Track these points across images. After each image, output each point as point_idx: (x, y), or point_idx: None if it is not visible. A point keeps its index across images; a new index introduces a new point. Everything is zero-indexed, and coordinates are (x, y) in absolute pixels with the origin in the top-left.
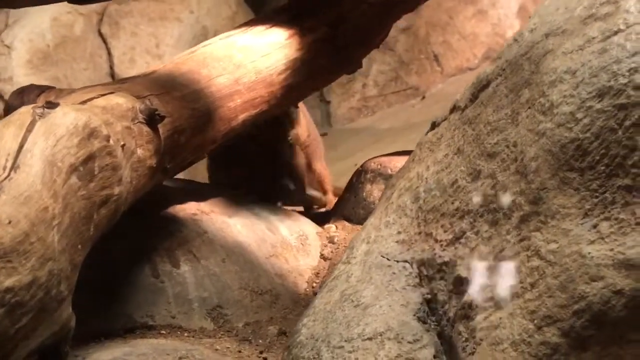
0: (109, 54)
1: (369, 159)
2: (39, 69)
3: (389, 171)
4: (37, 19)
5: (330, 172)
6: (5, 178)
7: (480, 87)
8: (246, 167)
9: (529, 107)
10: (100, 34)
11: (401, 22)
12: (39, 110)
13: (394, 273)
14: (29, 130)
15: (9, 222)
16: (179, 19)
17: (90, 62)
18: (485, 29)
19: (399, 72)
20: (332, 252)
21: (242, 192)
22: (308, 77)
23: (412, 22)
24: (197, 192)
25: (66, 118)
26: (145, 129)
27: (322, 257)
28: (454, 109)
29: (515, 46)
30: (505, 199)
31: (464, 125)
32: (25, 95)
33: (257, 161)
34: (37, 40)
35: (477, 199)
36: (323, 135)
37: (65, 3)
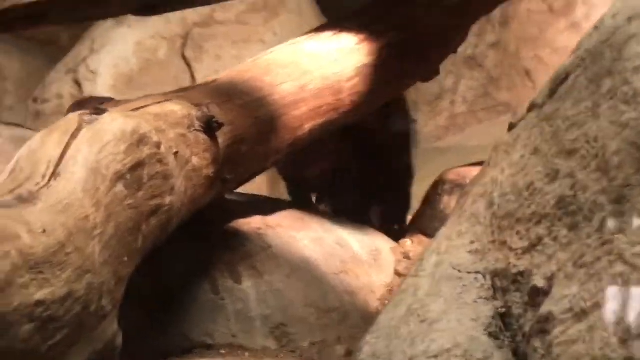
0: (193, 77)
1: (446, 170)
2: (124, 94)
3: (468, 182)
4: (121, 44)
5: (416, 192)
6: (44, 186)
7: (559, 81)
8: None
9: (611, 98)
10: (184, 58)
11: (490, 37)
12: (86, 117)
13: (464, 285)
14: (74, 136)
15: (43, 231)
16: (262, 41)
17: (174, 86)
18: None
19: (488, 89)
20: (407, 268)
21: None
22: (379, 84)
23: (500, 37)
24: (264, 206)
25: (114, 124)
26: (202, 137)
27: (397, 273)
28: (531, 107)
29: (596, 34)
30: (586, 200)
31: (542, 123)
32: (83, 106)
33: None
34: (122, 65)
35: (554, 201)
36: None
37: (150, 28)
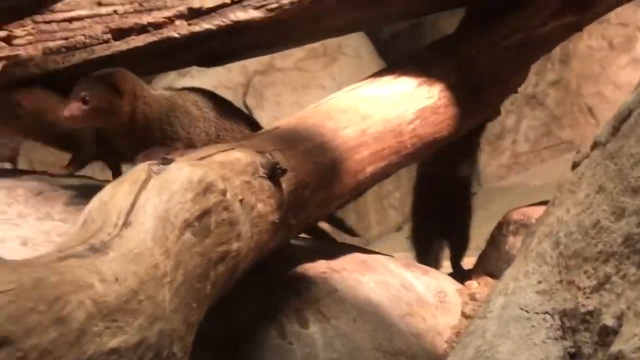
0: None
1: (511, 210)
2: None
3: (534, 222)
4: None
5: (480, 233)
6: (116, 235)
7: (622, 118)
8: None
9: None
10: (246, 105)
11: (550, 75)
12: (154, 167)
13: (533, 326)
14: (143, 187)
15: (116, 280)
16: (321, 87)
17: None
18: None
19: (550, 127)
20: (473, 309)
21: None
22: (440, 126)
23: (561, 74)
24: (328, 250)
25: (181, 173)
26: (267, 183)
27: (464, 315)
28: (594, 145)
29: None
30: None
31: (606, 161)
32: (151, 156)
33: None
34: None
35: (621, 239)
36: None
37: (211, 77)
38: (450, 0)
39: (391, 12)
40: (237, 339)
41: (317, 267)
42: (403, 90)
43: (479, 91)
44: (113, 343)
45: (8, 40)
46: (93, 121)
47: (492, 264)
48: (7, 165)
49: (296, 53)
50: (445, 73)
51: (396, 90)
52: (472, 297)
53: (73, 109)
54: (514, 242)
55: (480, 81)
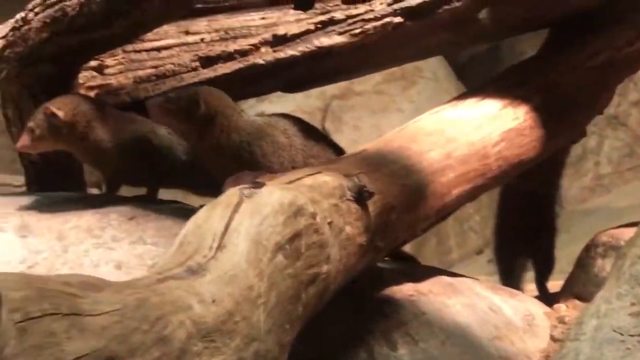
0: None
1: (599, 232)
2: None
3: (622, 243)
4: None
5: (564, 256)
6: (211, 258)
7: None
8: None
9: None
10: (324, 130)
11: (633, 96)
12: (246, 191)
13: (628, 348)
14: (236, 210)
15: (213, 301)
16: (400, 110)
17: None
18: None
19: (633, 147)
20: (563, 332)
21: None
22: (525, 147)
23: None
24: (414, 273)
25: (272, 197)
26: (354, 206)
27: (552, 338)
28: None
29: None
30: None
31: None
32: (239, 181)
33: None
34: None
35: None
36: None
37: (290, 102)
38: (532, 23)
39: (473, 36)
40: None
41: (404, 290)
42: (488, 112)
43: (564, 112)
44: None
45: (100, 69)
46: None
47: (580, 286)
48: (95, 190)
49: (374, 77)
50: (530, 95)
51: (481, 113)
52: (561, 320)
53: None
54: (602, 264)
55: (566, 102)
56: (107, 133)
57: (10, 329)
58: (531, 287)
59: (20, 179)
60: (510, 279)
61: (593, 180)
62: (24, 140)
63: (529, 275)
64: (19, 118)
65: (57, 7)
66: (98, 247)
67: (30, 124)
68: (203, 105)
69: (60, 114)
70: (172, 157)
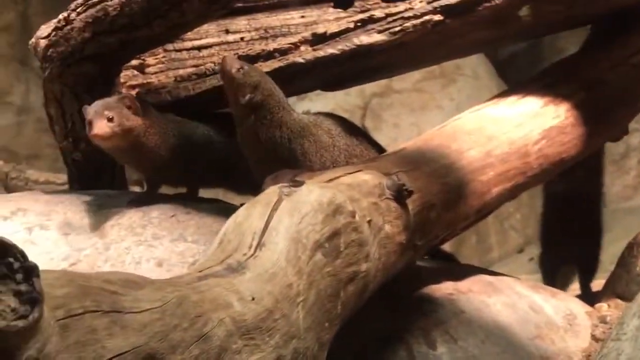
0: None
1: None
2: None
3: None
4: None
5: (606, 255)
6: (251, 256)
7: None
8: None
9: None
10: (364, 128)
11: None
12: (285, 189)
13: None
14: (275, 208)
15: (252, 299)
16: (440, 107)
17: None
18: None
19: None
20: (604, 332)
21: None
22: (567, 145)
23: None
24: (454, 271)
25: (311, 195)
26: (393, 204)
27: (594, 338)
28: None
29: None
30: None
31: None
32: (279, 179)
33: None
34: None
35: None
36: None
37: (330, 100)
38: (574, 20)
39: (514, 33)
40: (365, 358)
41: (444, 289)
42: (529, 110)
43: (607, 110)
44: None
45: (141, 68)
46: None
47: (622, 285)
48: (136, 189)
49: (414, 74)
50: (572, 92)
51: (522, 110)
52: (603, 320)
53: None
54: None
55: (608, 100)
56: (156, 134)
57: (52, 326)
58: (573, 286)
59: (62, 177)
60: (553, 278)
61: (636, 177)
62: (103, 127)
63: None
64: (62, 117)
65: (98, 7)
66: (139, 245)
67: (106, 112)
68: (249, 95)
69: (138, 104)
70: (212, 156)
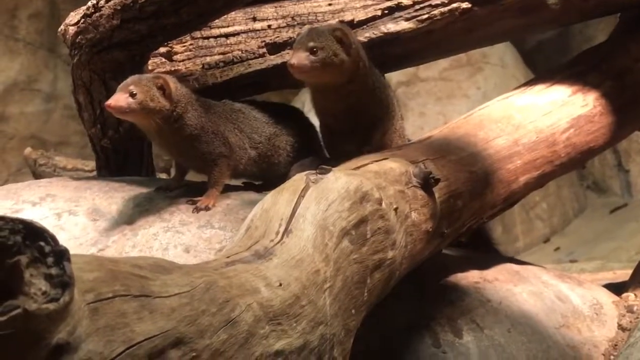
0: None
1: None
2: None
3: None
4: None
5: (632, 245)
6: (278, 242)
7: None
8: None
9: None
10: None
11: None
12: (312, 177)
13: None
14: (302, 195)
15: (280, 285)
16: (466, 96)
17: None
18: None
19: None
20: (631, 322)
21: None
22: (595, 134)
23: None
24: (480, 260)
25: (338, 182)
26: (420, 192)
27: (620, 327)
28: None
29: None
30: None
31: None
32: (305, 167)
33: None
34: None
35: None
36: (623, 206)
37: None
38: (604, 8)
39: (542, 21)
40: (392, 346)
41: (470, 277)
42: (557, 98)
43: (636, 99)
44: (278, 346)
45: (169, 56)
46: (320, 73)
47: None
48: (164, 176)
49: (440, 63)
50: (601, 81)
51: (549, 99)
52: (629, 309)
53: (302, 58)
54: None
55: (637, 89)
56: (196, 118)
57: (82, 309)
58: (600, 275)
59: (89, 164)
60: None
61: None
62: (121, 100)
63: (595, 264)
64: (90, 104)
65: None
66: (167, 231)
67: (132, 87)
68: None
69: (172, 87)
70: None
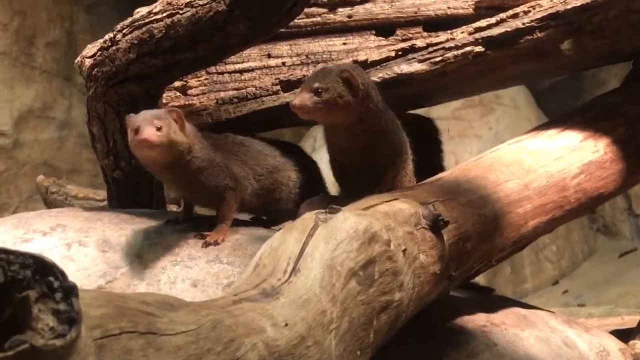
0: None
1: None
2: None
3: None
4: None
5: None
6: (285, 281)
7: None
8: None
9: None
10: None
11: None
12: (321, 216)
13: None
14: (311, 234)
15: (286, 325)
16: (477, 136)
17: None
18: None
19: None
20: None
21: None
22: (605, 181)
23: None
24: (487, 303)
25: (347, 222)
26: (429, 234)
27: None
28: None
29: None
30: None
31: None
32: (314, 205)
33: None
34: None
35: None
36: (632, 250)
37: None
38: (618, 54)
39: (555, 66)
40: None
41: (477, 320)
42: (568, 144)
43: None
44: None
45: (183, 90)
46: (324, 114)
47: None
48: (174, 207)
49: (453, 102)
50: (612, 127)
51: (561, 144)
52: (636, 357)
53: (305, 99)
54: None
55: None
56: (201, 151)
57: (89, 346)
58: (607, 321)
59: (101, 193)
60: None
61: None
62: (152, 134)
63: (603, 309)
64: (104, 135)
65: (144, 29)
66: (175, 265)
67: (156, 122)
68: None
69: (188, 125)
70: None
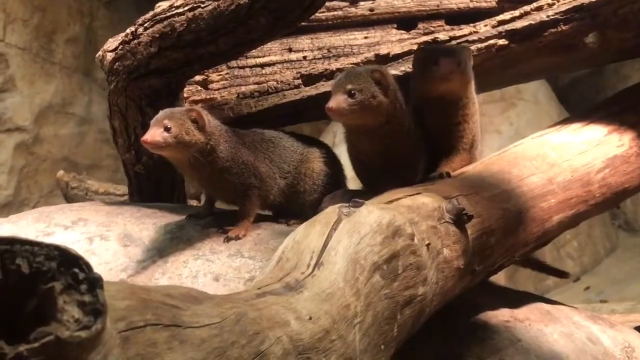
0: None
1: None
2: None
3: None
4: None
5: None
6: (309, 275)
7: None
8: None
9: None
10: None
11: None
12: (344, 209)
13: None
14: (334, 228)
15: (310, 318)
16: (498, 131)
17: None
18: None
19: None
20: None
21: None
22: (630, 175)
23: None
24: (511, 298)
25: (370, 216)
26: (452, 228)
27: None
28: None
29: None
30: None
31: None
32: (337, 199)
33: None
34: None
35: None
36: None
37: None
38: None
39: (579, 59)
40: None
41: (500, 316)
42: (592, 138)
43: None
44: None
45: (205, 84)
46: (359, 116)
47: None
48: (194, 202)
49: None
50: (637, 121)
51: (585, 138)
52: None
53: (340, 101)
54: None
55: None
56: (228, 150)
57: (114, 338)
58: (631, 317)
59: (121, 188)
60: None
61: None
62: (157, 135)
63: (626, 305)
64: (125, 129)
65: (165, 22)
66: (197, 259)
67: (166, 122)
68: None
69: (205, 120)
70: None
